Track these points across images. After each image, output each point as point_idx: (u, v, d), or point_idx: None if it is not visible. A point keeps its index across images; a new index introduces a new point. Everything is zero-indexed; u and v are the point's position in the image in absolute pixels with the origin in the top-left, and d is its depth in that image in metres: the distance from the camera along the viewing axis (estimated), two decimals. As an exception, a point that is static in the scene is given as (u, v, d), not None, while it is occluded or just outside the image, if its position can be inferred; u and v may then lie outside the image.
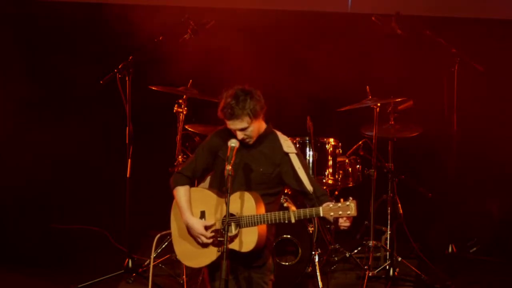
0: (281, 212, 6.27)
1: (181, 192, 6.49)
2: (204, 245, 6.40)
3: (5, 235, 9.48)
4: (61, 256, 9.15)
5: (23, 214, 9.94)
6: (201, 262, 6.45)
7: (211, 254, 6.38)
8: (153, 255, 7.49)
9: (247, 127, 6.31)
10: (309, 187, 6.34)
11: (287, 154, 6.40)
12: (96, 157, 10.11)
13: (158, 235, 7.45)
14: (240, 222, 6.29)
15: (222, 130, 6.49)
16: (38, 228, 9.78)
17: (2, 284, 8.39)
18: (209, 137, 6.57)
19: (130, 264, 8.42)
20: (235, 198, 6.30)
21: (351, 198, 6.19)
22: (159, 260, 8.54)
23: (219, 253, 6.23)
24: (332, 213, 6.17)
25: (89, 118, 10.31)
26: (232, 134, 6.38)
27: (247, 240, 6.29)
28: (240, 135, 6.33)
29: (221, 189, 6.36)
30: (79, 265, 8.88)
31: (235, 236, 6.30)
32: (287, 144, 6.44)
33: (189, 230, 6.43)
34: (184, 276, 8.22)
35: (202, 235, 6.36)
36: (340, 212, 6.16)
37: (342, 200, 6.19)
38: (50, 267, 8.81)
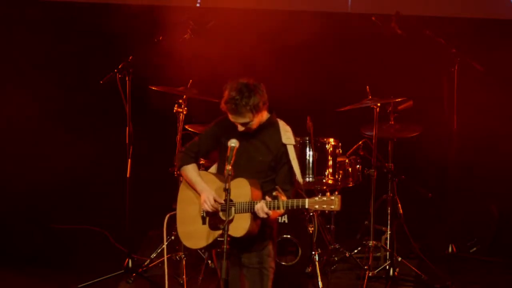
0: (269, 201, 6.40)
1: (190, 169, 6.66)
2: (204, 224, 6.52)
3: (6, 235, 9.48)
4: (61, 256, 9.14)
5: (23, 214, 9.94)
6: (200, 244, 6.59)
7: (208, 237, 6.51)
8: (165, 234, 7.46)
9: (249, 122, 6.46)
10: (300, 179, 6.55)
11: (284, 145, 6.55)
12: (96, 157, 10.11)
13: (168, 215, 7.43)
14: (235, 208, 6.43)
15: (224, 119, 6.62)
16: (38, 228, 9.78)
17: (2, 284, 8.39)
18: (212, 125, 6.71)
19: (130, 264, 8.42)
20: (233, 184, 6.41)
21: (336, 192, 6.36)
22: (159, 260, 8.54)
23: (216, 235, 6.44)
24: (316, 206, 6.34)
25: (89, 118, 10.31)
26: (234, 124, 6.51)
27: (240, 225, 6.42)
28: (241, 127, 6.50)
29: (223, 175, 6.44)
30: (79, 265, 8.88)
31: (230, 221, 6.43)
32: (287, 136, 6.58)
33: (202, 196, 6.55)
34: (184, 276, 8.22)
35: (208, 200, 6.47)
36: (324, 206, 6.33)
37: (328, 194, 6.34)
38: (50, 267, 8.81)
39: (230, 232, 6.40)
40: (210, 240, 6.52)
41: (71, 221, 9.93)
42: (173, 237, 8.53)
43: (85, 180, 10.22)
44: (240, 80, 6.47)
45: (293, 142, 6.57)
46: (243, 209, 6.42)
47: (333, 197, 6.32)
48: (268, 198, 6.40)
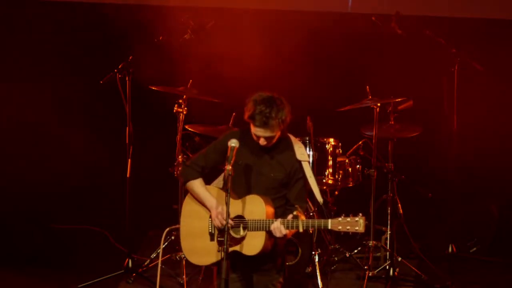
0: (289, 220, 6.29)
1: (198, 184, 6.51)
2: (212, 240, 6.42)
3: (6, 235, 9.48)
4: (61, 256, 9.14)
5: (23, 214, 9.93)
6: (207, 261, 6.49)
7: (216, 254, 6.41)
8: (161, 248, 7.47)
9: (274, 136, 6.35)
10: (319, 198, 6.50)
11: (299, 161, 6.46)
12: (96, 157, 10.10)
13: (167, 229, 7.42)
14: (248, 225, 6.32)
15: (236, 132, 6.53)
16: (38, 228, 9.78)
17: (2, 284, 8.39)
18: (222, 137, 6.55)
19: (130, 264, 8.41)
20: (246, 201, 6.34)
21: (360, 214, 6.26)
22: (159, 260, 8.53)
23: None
24: (340, 227, 6.24)
25: (89, 118, 10.32)
26: (246, 137, 6.41)
27: (254, 243, 6.33)
28: (263, 141, 6.36)
29: (234, 190, 6.36)
30: (79, 265, 8.88)
31: (242, 238, 6.34)
32: (301, 151, 6.48)
33: (211, 212, 6.43)
34: (184, 276, 8.22)
35: (221, 216, 6.33)
36: (348, 227, 6.24)
37: (351, 215, 6.25)
38: (50, 267, 8.81)
39: (243, 251, 6.33)
40: (218, 257, 6.37)
41: (71, 221, 9.92)
42: (173, 237, 8.53)
43: (85, 180, 10.22)
44: (263, 93, 6.33)
45: (308, 159, 6.49)
46: (258, 227, 6.30)
47: (357, 219, 6.22)
48: (289, 217, 6.28)
